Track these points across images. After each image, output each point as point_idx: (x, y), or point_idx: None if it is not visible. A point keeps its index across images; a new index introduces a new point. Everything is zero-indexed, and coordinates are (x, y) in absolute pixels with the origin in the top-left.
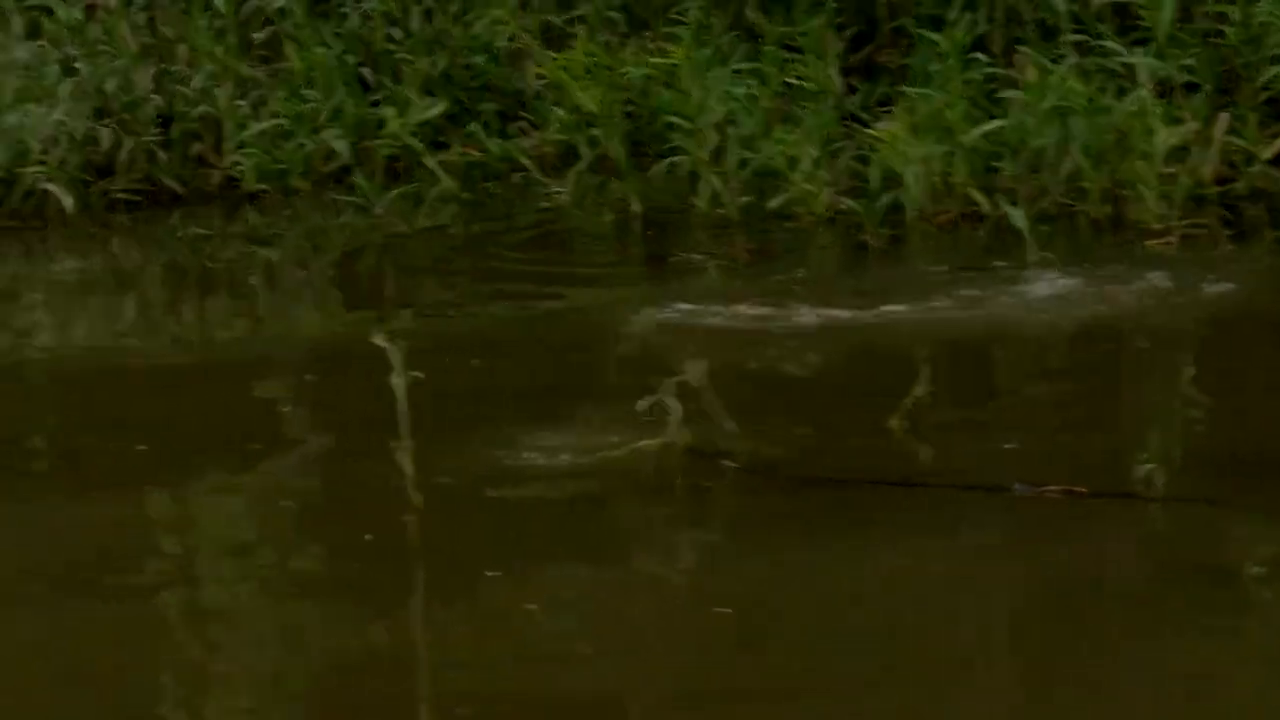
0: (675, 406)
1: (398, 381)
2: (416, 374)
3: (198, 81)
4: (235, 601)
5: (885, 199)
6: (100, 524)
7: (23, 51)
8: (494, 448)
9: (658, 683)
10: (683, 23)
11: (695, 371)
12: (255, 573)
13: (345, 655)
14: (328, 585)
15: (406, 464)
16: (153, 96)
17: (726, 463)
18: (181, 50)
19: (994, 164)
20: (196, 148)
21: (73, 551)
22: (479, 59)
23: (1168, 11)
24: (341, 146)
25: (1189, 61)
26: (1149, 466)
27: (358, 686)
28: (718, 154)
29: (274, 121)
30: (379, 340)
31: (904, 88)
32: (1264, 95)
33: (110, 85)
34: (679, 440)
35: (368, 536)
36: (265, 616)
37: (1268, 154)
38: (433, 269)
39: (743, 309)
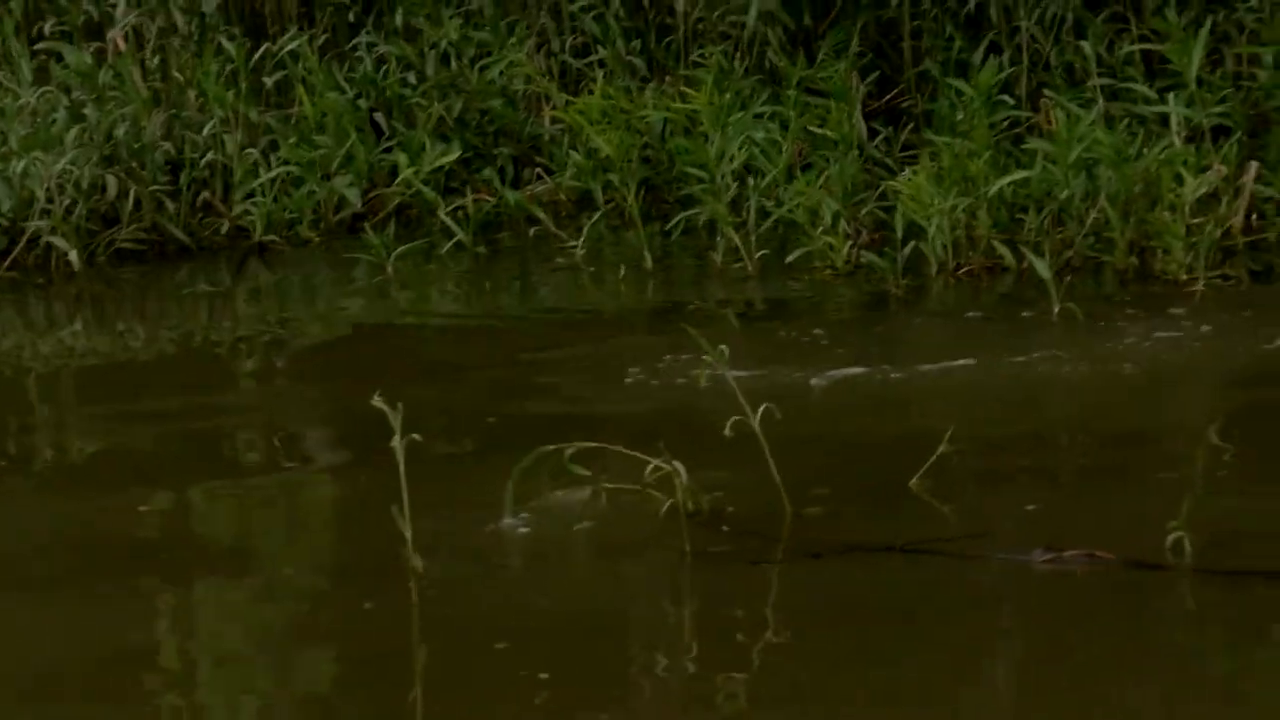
0: (676, 468)
1: (398, 441)
2: (415, 436)
3: (208, 128)
4: None
5: (907, 250)
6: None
7: (30, 97)
8: (490, 505)
9: None
10: (704, 66)
11: (698, 432)
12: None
13: None
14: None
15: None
16: (162, 143)
17: (723, 528)
18: (191, 95)
19: (1018, 215)
20: (205, 196)
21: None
22: (495, 103)
23: (1197, 56)
24: (352, 194)
25: (1219, 108)
26: (1179, 533)
27: None
28: (736, 204)
29: (284, 168)
30: (380, 402)
31: (929, 134)
32: None
33: (119, 131)
34: (679, 503)
35: (367, 604)
36: None
37: None
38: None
39: (752, 366)
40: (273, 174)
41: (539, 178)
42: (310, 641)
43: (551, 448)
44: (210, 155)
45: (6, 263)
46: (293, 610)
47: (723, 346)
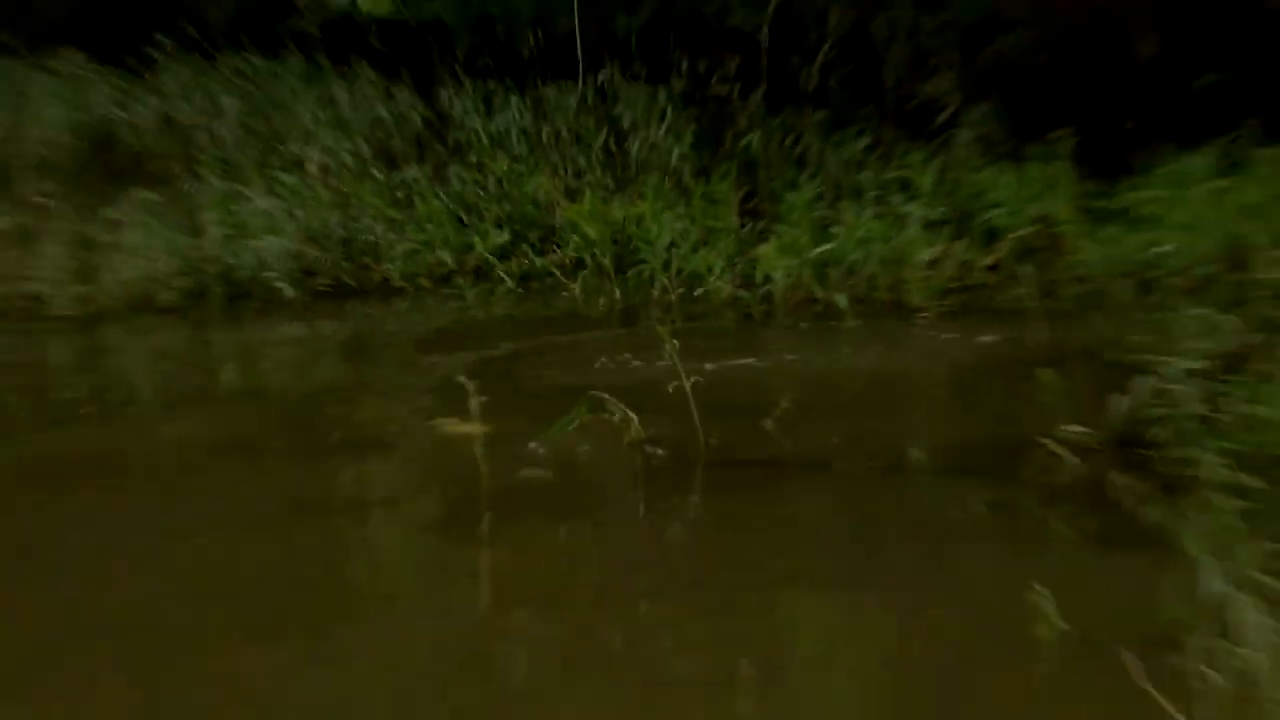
0: (630, 415)
1: (473, 400)
2: (483, 398)
3: (365, 220)
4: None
5: (763, 289)
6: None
7: (263, 202)
8: (522, 434)
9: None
10: (647, 185)
11: (644, 393)
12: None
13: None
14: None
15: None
16: (338, 229)
17: (658, 450)
18: (355, 201)
19: (825, 270)
20: (364, 260)
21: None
22: (528, 207)
23: (928, 179)
24: (448, 260)
25: (942, 208)
26: (925, 447)
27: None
28: (666, 264)
29: (409, 245)
30: (464, 380)
31: (775, 226)
32: (985, 226)
33: (313, 222)
34: (627, 435)
35: (456, 489)
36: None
37: (984, 263)
38: (495, 329)
39: (672, 356)
40: (403, 248)
41: (554, 250)
42: (419, 504)
43: (592, 393)
44: (366, 236)
45: (254, 299)
46: (401, 488)
47: (675, 341)
